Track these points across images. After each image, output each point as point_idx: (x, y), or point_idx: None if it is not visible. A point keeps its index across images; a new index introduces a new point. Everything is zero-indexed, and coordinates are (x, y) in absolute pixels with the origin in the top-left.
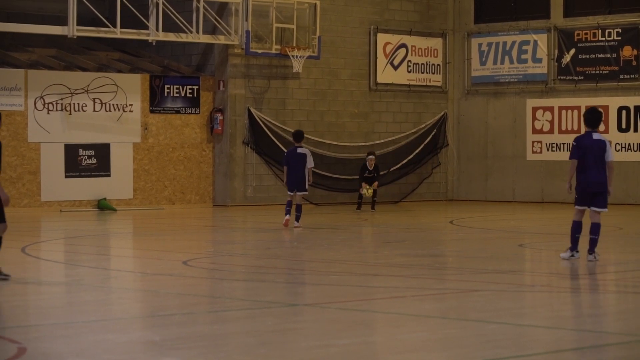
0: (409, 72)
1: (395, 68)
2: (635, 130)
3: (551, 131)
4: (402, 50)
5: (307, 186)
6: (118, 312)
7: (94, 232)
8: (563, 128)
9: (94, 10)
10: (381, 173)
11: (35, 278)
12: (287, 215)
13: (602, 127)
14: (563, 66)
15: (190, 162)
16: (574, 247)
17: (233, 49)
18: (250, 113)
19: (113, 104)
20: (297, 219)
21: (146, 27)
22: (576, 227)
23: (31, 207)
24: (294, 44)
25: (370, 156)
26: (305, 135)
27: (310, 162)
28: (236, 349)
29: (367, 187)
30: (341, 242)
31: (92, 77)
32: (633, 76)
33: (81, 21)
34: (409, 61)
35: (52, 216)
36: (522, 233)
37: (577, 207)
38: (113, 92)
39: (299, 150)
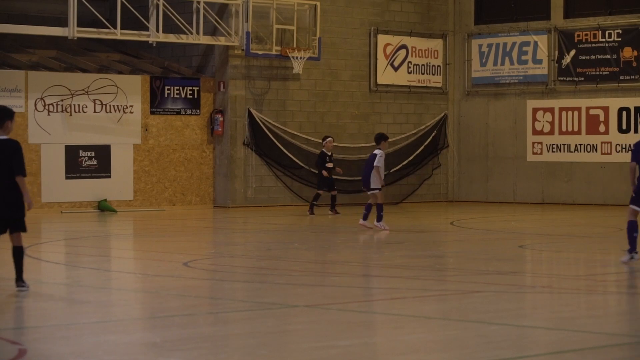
0: (410, 73)
1: (396, 69)
2: (636, 131)
3: (551, 132)
4: (403, 52)
5: (374, 184)
6: (119, 314)
7: (95, 233)
8: (563, 129)
9: (95, 11)
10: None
11: (36, 279)
12: (362, 220)
13: (601, 129)
14: (563, 67)
15: (191, 163)
16: (632, 248)
17: (233, 50)
18: (250, 114)
19: (113, 105)
20: (378, 218)
21: (146, 29)
22: (631, 227)
23: (32, 209)
24: (295, 45)
25: (329, 138)
26: (305, 136)
27: (377, 161)
28: (237, 350)
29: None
30: (342, 243)
31: (93, 78)
32: (633, 77)
33: (81, 22)
34: (410, 62)
35: (53, 217)
36: (523, 234)
37: (630, 205)
38: (113, 93)
39: (375, 151)
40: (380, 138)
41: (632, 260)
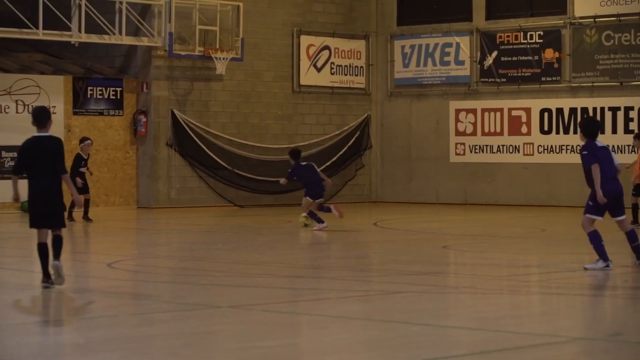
0: (332, 74)
1: (319, 70)
2: (557, 132)
3: (474, 133)
4: (325, 52)
5: None
6: (42, 314)
7: (18, 234)
8: (486, 130)
9: (15, 10)
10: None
11: None
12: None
13: (523, 130)
14: (485, 68)
15: (114, 164)
16: (606, 256)
17: (156, 50)
18: (173, 115)
19: (35, 106)
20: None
21: (69, 29)
22: (599, 236)
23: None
24: (217, 46)
25: (87, 141)
26: (228, 137)
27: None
28: (161, 351)
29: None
30: (265, 244)
31: (15, 78)
32: (555, 79)
33: (2, 22)
34: (332, 63)
35: None
36: (446, 235)
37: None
38: (36, 94)
39: None
40: None
41: (608, 269)
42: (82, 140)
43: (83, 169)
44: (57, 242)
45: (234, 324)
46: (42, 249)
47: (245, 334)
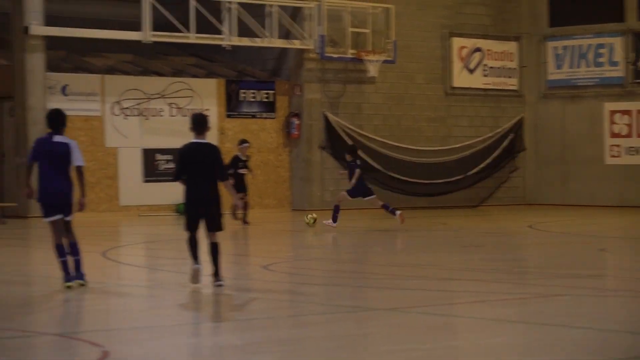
0: (485, 76)
1: (471, 72)
2: None
3: (629, 135)
4: (478, 54)
5: None
6: (198, 316)
7: (173, 236)
8: None
9: (168, 15)
10: (459, 177)
11: (116, 282)
12: None
13: None
14: (639, 69)
15: (267, 166)
16: None
17: (308, 53)
18: (326, 118)
19: (189, 109)
20: None
21: (220, 32)
22: None
23: (110, 212)
24: (369, 48)
25: (245, 144)
26: (381, 139)
27: None
28: (316, 353)
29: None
30: (419, 247)
31: (168, 82)
32: None
33: (155, 26)
34: (485, 65)
35: (131, 221)
36: (603, 237)
37: None
38: (189, 97)
39: None
40: None
41: None
42: (241, 142)
43: (242, 171)
44: (215, 252)
45: (389, 327)
46: (192, 240)
47: (400, 337)
